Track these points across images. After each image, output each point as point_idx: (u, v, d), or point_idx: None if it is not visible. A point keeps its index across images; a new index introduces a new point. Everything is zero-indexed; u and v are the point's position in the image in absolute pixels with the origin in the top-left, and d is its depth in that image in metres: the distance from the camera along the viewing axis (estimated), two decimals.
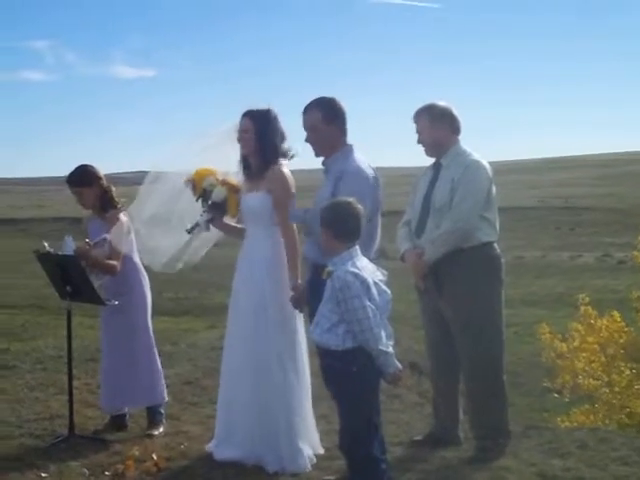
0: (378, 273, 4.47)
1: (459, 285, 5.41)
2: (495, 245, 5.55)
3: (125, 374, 6.03)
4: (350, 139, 5.37)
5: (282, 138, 5.42)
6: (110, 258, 5.92)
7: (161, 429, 6.11)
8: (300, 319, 5.43)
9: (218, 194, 5.56)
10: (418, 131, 5.62)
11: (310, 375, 5.42)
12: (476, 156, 5.54)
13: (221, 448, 5.41)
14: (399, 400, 7.19)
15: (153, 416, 6.16)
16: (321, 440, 5.51)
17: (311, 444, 5.38)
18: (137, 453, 5.44)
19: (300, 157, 5.53)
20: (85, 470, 5.29)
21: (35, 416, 6.57)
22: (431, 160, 5.69)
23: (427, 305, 5.71)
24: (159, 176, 5.79)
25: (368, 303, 4.27)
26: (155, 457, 5.35)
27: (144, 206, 5.81)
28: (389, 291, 4.47)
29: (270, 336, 5.28)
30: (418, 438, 5.78)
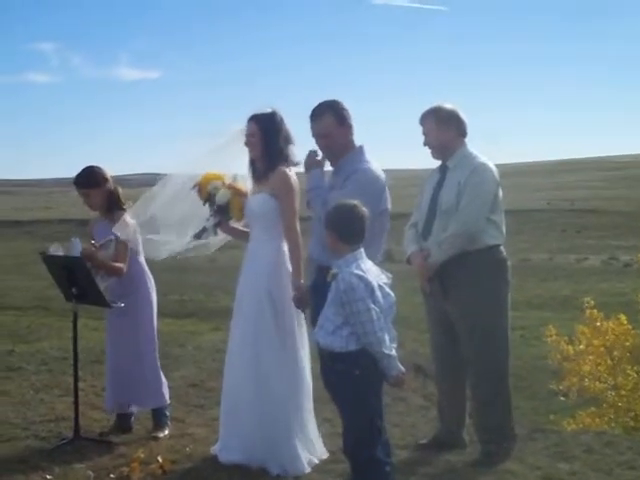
0: (382, 276, 4.47)
1: (465, 288, 5.40)
2: (501, 248, 5.54)
3: (131, 375, 6.03)
4: (356, 141, 5.39)
5: (287, 141, 5.42)
6: (116, 260, 5.92)
7: (166, 431, 6.10)
8: (303, 324, 5.42)
9: (221, 197, 5.57)
10: (424, 133, 5.62)
11: (312, 379, 5.41)
12: (483, 159, 5.53)
13: (226, 451, 5.40)
14: (404, 403, 7.18)
15: (158, 418, 6.15)
16: (325, 443, 5.49)
17: (311, 449, 5.37)
18: (142, 455, 5.43)
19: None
20: (90, 472, 5.28)
21: (40, 418, 6.57)
22: (438, 163, 5.68)
23: (433, 308, 5.70)
24: (168, 177, 5.79)
25: (372, 306, 4.26)
26: (160, 459, 5.34)
27: (147, 206, 5.80)
28: (393, 294, 4.46)
29: (271, 342, 5.27)
30: (423, 441, 5.77)
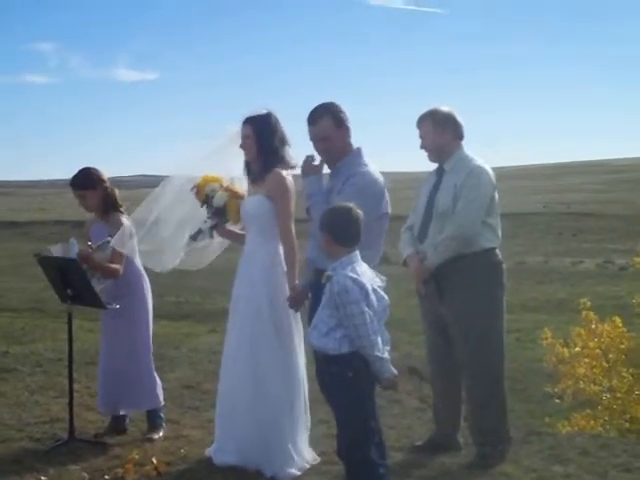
0: (377, 279, 4.47)
1: (460, 291, 5.40)
2: (497, 251, 5.55)
3: (125, 376, 6.02)
4: (354, 144, 5.40)
5: (283, 142, 5.42)
6: (112, 261, 5.92)
7: (161, 433, 6.10)
8: (299, 326, 5.42)
9: (218, 199, 5.58)
10: (421, 136, 5.63)
11: (308, 380, 5.41)
12: (479, 161, 5.54)
13: (221, 453, 5.40)
14: (400, 405, 7.18)
15: (153, 420, 6.15)
16: (320, 445, 5.50)
17: (303, 452, 5.36)
18: (137, 457, 5.43)
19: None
20: (85, 474, 5.28)
21: (35, 419, 6.56)
22: (434, 165, 5.69)
23: (428, 310, 5.70)
24: (168, 179, 5.79)
25: (366, 309, 4.27)
26: (155, 461, 5.34)
27: (151, 208, 5.80)
28: (387, 297, 4.47)
29: (267, 344, 5.27)
30: (419, 443, 5.77)
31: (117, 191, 6.21)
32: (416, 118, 5.65)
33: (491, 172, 5.53)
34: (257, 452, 5.23)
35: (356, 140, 5.41)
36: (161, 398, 6.21)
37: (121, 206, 6.15)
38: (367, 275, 4.41)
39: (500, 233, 5.57)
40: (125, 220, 6.03)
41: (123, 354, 6.04)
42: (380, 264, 5.14)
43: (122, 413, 6.21)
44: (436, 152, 5.60)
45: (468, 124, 5.61)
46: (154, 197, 5.78)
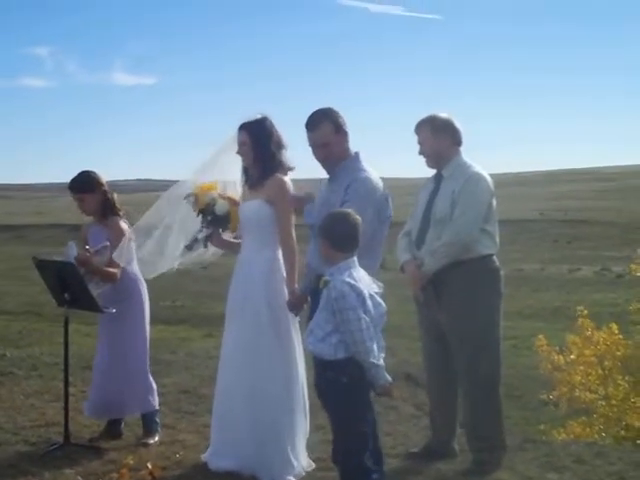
0: (374, 285, 4.48)
1: (457, 297, 5.40)
2: (494, 257, 5.55)
3: (120, 380, 6.00)
4: (352, 149, 5.40)
5: (280, 146, 5.42)
6: (110, 265, 5.91)
7: (156, 438, 6.09)
8: (297, 332, 5.42)
9: (221, 207, 5.56)
10: (420, 142, 5.63)
11: (307, 387, 5.41)
12: (477, 168, 5.54)
13: (216, 458, 5.39)
14: (395, 412, 7.17)
15: (149, 425, 6.14)
16: (317, 451, 5.49)
17: (300, 459, 5.35)
18: (132, 462, 5.40)
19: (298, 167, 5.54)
20: (80, 478, 5.27)
21: (30, 423, 6.55)
22: (433, 171, 5.69)
23: (425, 317, 5.70)
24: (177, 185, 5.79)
25: (363, 315, 4.28)
26: (150, 466, 5.32)
27: (159, 214, 5.81)
28: (384, 304, 4.47)
29: (267, 347, 5.26)
30: (414, 450, 5.77)
31: (116, 195, 6.21)
32: (414, 124, 5.66)
33: (489, 179, 5.54)
34: (254, 455, 5.21)
35: (355, 145, 5.39)
36: (156, 402, 6.20)
37: (120, 210, 6.14)
38: (364, 281, 4.41)
39: (498, 240, 5.57)
40: (124, 225, 6.03)
41: (119, 358, 6.03)
42: (377, 270, 5.14)
43: (117, 417, 6.20)
44: (434, 158, 5.60)
45: (465, 130, 5.62)
46: (163, 203, 5.78)
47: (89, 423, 6.44)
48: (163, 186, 6.42)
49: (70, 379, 6.19)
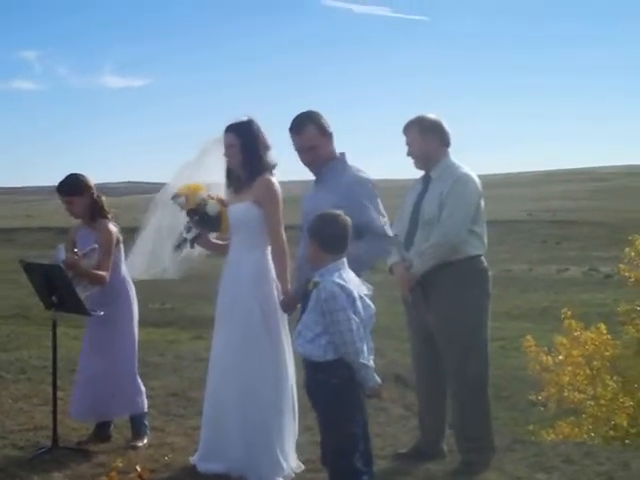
0: (363, 287, 4.47)
1: (446, 298, 5.41)
2: (483, 258, 5.56)
3: (108, 383, 5.98)
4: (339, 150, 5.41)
5: (266, 147, 5.41)
6: (99, 269, 5.90)
7: (145, 440, 6.07)
8: (287, 333, 5.41)
9: (212, 208, 5.53)
10: (408, 143, 5.63)
11: (297, 388, 5.40)
12: (466, 169, 5.54)
13: (205, 461, 5.38)
14: (385, 413, 7.17)
15: (137, 427, 6.12)
16: (306, 452, 5.48)
17: (289, 461, 5.34)
18: (121, 464, 5.39)
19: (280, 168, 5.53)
20: None
21: (19, 427, 6.52)
22: (421, 173, 5.69)
23: (414, 318, 5.70)
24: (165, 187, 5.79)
25: (353, 316, 4.27)
26: (139, 469, 5.30)
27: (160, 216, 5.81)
28: (373, 305, 4.47)
29: (258, 348, 5.25)
30: (403, 451, 5.77)
31: (104, 198, 6.20)
32: (403, 125, 5.66)
33: (477, 180, 5.55)
34: (243, 457, 5.20)
35: (342, 147, 5.43)
36: (145, 405, 6.18)
37: (108, 212, 6.14)
38: (354, 282, 4.41)
39: (486, 240, 5.58)
40: (112, 227, 6.02)
41: (107, 360, 6.01)
42: (366, 271, 5.13)
43: (106, 420, 6.18)
44: (422, 159, 5.60)
45: (453, 131, 5.63)
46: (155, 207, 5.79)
47: (78, 426, 6.42)
48: (153, 189, 6.42)
49: (58, 382, 6.17)
